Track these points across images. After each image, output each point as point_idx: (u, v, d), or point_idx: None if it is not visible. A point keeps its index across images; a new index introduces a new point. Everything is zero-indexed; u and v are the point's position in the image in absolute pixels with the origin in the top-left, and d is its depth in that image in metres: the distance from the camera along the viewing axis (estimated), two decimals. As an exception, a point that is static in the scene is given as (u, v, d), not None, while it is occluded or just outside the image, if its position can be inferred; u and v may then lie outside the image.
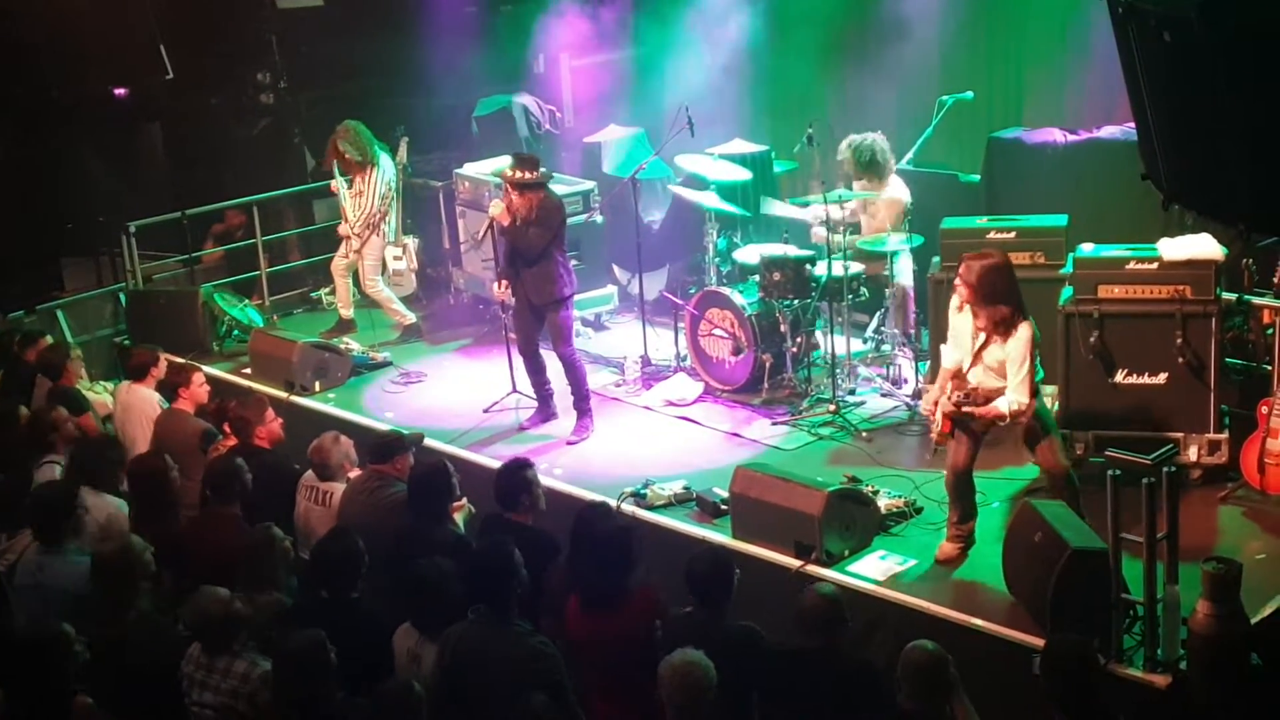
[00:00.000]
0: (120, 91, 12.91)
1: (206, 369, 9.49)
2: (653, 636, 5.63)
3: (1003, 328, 6.65)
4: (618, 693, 5.75)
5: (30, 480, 7.36)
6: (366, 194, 10.47)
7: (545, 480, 7.86)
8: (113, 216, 12.10)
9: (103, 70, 12.44)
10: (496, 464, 7.36)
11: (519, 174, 8.50)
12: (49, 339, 9.69)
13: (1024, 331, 6.62)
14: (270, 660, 5.52)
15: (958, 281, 6.77)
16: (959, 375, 6.90)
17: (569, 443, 8.71)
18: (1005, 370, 6.67)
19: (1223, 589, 5.68)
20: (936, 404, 6.88)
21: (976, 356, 6.77)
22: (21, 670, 5.24)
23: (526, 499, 6.58)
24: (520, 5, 12.46)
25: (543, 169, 8.65)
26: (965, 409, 6.70)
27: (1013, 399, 6.63)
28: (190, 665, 5.60)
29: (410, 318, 10.78)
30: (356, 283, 10.96)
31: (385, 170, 10.55)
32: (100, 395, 9.36)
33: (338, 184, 10.60)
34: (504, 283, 8.76)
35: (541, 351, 8.86)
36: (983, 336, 6.73)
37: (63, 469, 7.44)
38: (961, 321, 6.90)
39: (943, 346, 7.42)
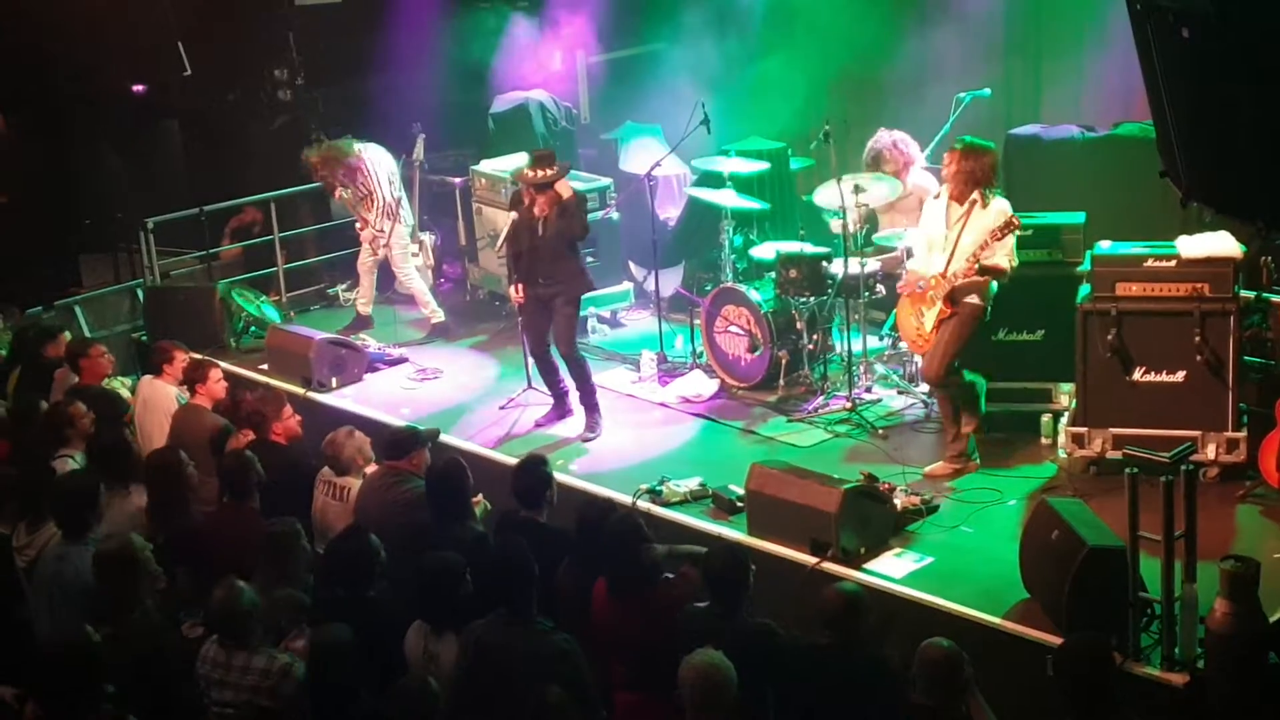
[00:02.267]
0: (138, 88, 12.97)
1: (223, 365, 9.50)
2: (676, 625, 5.65)
3: (984, 201, 7.55)
4: (640, 685, 5.75)
5: (49, 476, 7.38)
6: (374, 189, 10.45)
7: (561, 476, 7.90)
8: (131, 213, 12.16)
9: (121, 67, 12.49)
10: (512, 460, 7.37)
11: (539, 173, 8.49)
12: (67, 335, 9.72)
13: (1002, 202, 7.59)
14: (286, 654, 5.55)
15: (945, 169, 7.64)
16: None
17: (583, 439, 8.72)
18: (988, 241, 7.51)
19: (1241, 588, 5.66)
20: (927, 308, 7.65)
21: (957, 241, 7.55)
22: (51, 682, 5.22)
23: (548, 494, 6.61)
24: (536, 1, 12.45)
25: (559, 164, 8.67)
26: (965, 279, 7.53)
27: (1010, 257, 7.58)
28: (206, 666, 5.61)
29: (440, 315, 10.77)
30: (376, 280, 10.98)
31: (375, 160, 10.49)
32: (118, 390, 9.39)
33: (341, 193, 10.61)
34: (520, 285, 8.74)
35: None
36: (962, 214, 7.58)
37: (77, 463, 7.47)
38: (935, 213, 7.74)
39: (909, 264, 8.14)
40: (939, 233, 7.72)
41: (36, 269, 12.60)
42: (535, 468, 6.69)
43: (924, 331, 7.76)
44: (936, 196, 7.87)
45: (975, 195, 7.58)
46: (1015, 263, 7.64)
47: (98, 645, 5.23)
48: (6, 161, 14.06)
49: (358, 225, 10.73)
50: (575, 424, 8.89)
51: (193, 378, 8.47)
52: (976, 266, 7.52)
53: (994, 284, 7.67)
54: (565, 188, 8.57)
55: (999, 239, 7.48)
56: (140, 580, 5.97)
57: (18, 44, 11.99)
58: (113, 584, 5.93)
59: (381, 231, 10.52)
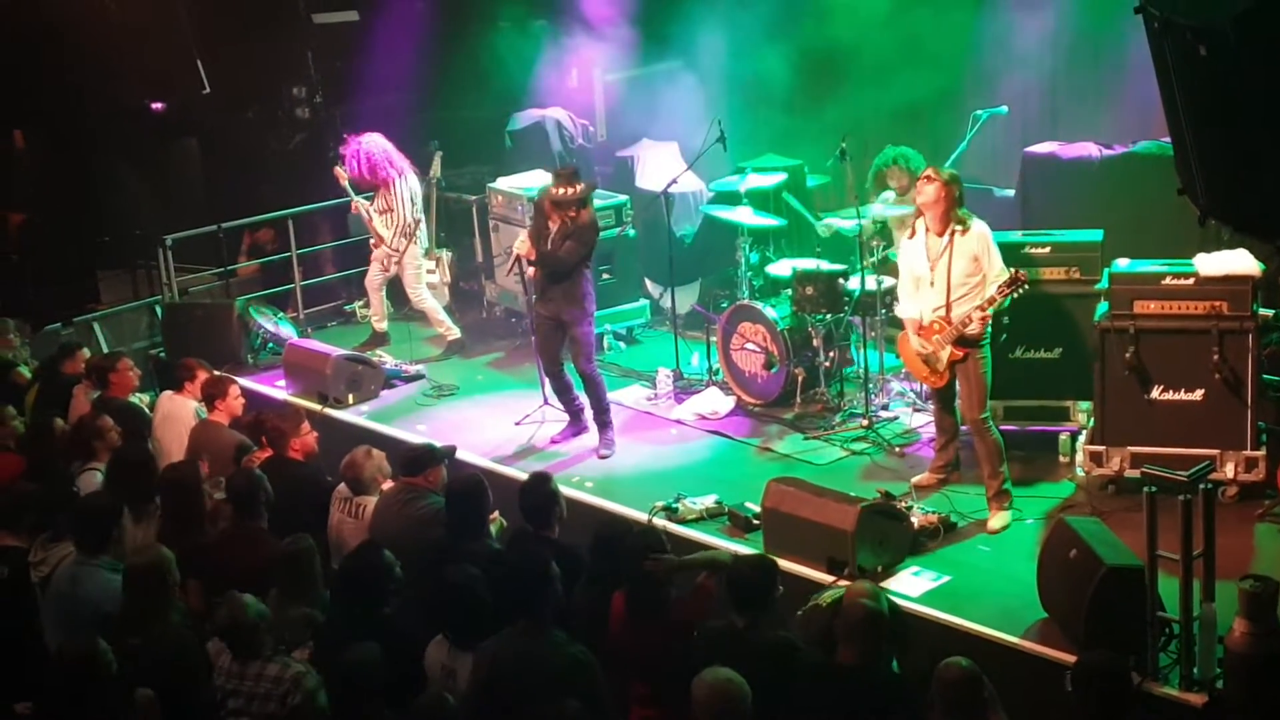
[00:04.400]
0: (157, 106, 13.07)
1: (241, 381, 9.53)
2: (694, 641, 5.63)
3: (963, 227, 7.42)
4: (658, 702, 5.73)
5: (69, 491, 7.39)
6: (396, 208, 10.48)
7: (576, 493, 7.90)
8: (149, 229, 12.21)
9: (140, 85, 12.58)
10: (527, 477, 7.36)
11: (563, 191, 8.47)
12: (86, 351, 9.75)
13: (980, 225, 7.48)
14: (301, 664, 5.56)
15: (924, 198, 7.43)
16: (923, 325, 7.57)
17: (599, 456, 8.71)
18: (979, 266, 7.40)
19: (1259, 607, 5.63)
20: (935, 351, 7.45)
21: (949, 276, 7.40)
22: (57, 686, 5.25)
23: (557, 510, 6.60)
24: (553, 20, 12.50)
25: (584, 182, 8.66)
26: (977, 315, 7.37)
27: (1001, 278, 7.39)
28: (222, 677, 5.63)
29: (455, 332, 10.78)
30: (391, 296, 11.00)
31: (409, 179, 10.56)
32: (137, 406, 9.41)
33: (359, 204, 10.60)
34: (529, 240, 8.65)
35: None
36: (944, 245, 7.42)
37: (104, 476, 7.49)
38: (915, 251, 7.57)
39: (898, 307, 7.91)
40: (922, 270, 7.53)
41: (55, 285, 12.67)
42: (541, 486, 6.67)
43: (938, 369, 7.58)
44: (911, 236, 7.62)
45: (954, 224, 7.41)
46: (1008, 271, 7.42)
47: (108, 658, 5.25)
48: (26, 178, 14.17)
49: (371, 242, 10.77)
50: (590, 441, 8.89)
51: (212, 393, 8.49)
52: (990, 313, 7.36)
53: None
54: (584, 211, 8.54)
55: (1005, 295, 7.32)
56: (168, 595, 6.00)
57: (38, 62, 12.08)
58: (141, 597, 5.95)
59: (396, 250, 10.54)
